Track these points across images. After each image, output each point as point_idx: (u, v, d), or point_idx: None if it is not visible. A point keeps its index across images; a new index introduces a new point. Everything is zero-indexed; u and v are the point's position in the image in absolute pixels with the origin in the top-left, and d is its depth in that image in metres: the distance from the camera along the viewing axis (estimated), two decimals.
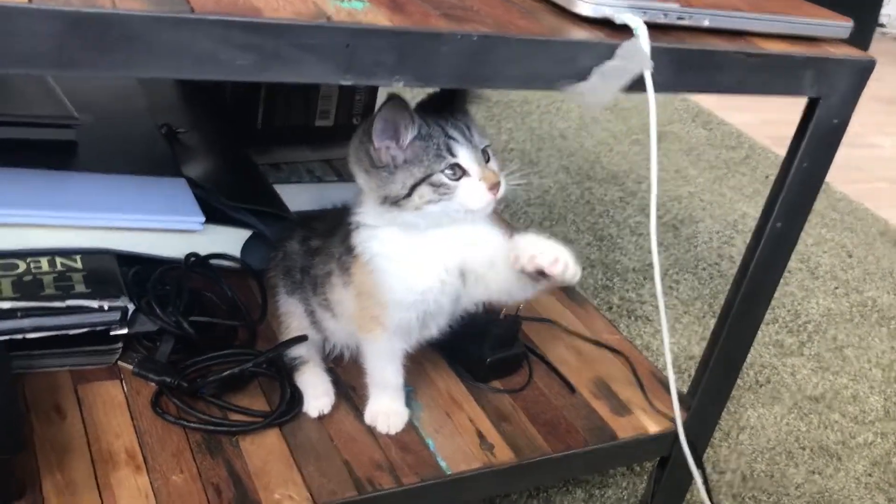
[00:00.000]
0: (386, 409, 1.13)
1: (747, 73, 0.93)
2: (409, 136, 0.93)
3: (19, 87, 1.24)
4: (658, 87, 0.87)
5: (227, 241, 1.26)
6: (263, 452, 1.05)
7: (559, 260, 0.92)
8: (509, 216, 2.19)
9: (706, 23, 0.92)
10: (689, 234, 2.31)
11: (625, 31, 0.85)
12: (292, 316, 1.17)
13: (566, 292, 1.52)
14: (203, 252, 1.25)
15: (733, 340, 1.21)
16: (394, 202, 0.95)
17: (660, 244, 2.22)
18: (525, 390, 1.26)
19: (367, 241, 1.01)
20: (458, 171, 0.94)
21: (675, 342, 1.85)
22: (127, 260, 1.20)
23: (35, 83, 1.27)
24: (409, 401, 1.18)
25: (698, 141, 2.95)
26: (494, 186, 0.96)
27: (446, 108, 0.98)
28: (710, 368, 1.24)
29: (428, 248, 1.00)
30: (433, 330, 1.09)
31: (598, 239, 2.19)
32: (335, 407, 1.14)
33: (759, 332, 1.26)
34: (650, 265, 2.11)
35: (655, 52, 0.85)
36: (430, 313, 1.04)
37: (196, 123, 1.50)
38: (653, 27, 0.86)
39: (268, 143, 1.52)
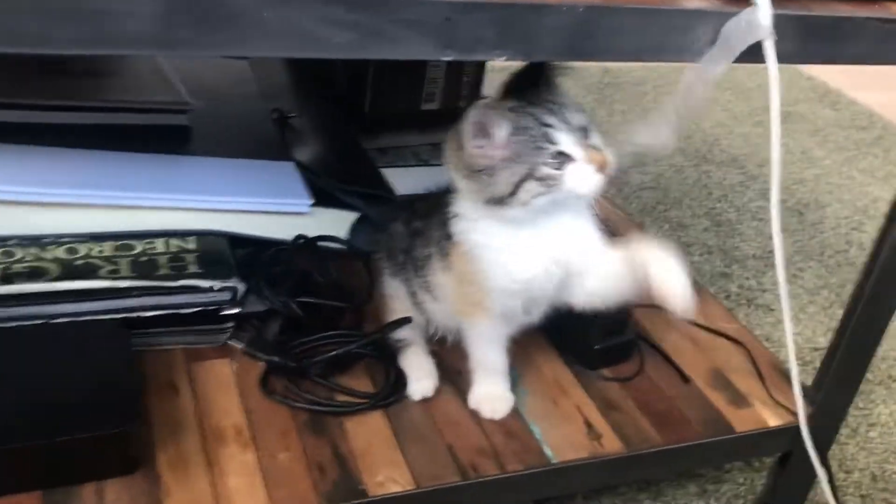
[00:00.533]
0: (490, 394, 1.11)
1: (881, 42, 0.86)
2: (502, 133, 0.90)
3: (135, 74, 1.29)
4: (780, 58, 0.81)
5: (335, 223, 1.27)
6: (368, 434, 1.05)
7: (685, 296, 0.90)
8: (622, 200, 2.13)
9: None
10: (814, 219, 2.19)
11: None
12: (396, 298, 1.17)
13: None
14: (311, 234, 1.25)
15: (863, 331, 1.13)
16: (499, 202, 0.92)
17: (783, 230, 2.09)
18: (636, 379, 1.22)
19: (466, 231, 0.99)
20: (562, 158, 0.90)
21: (798, 333, 1.75)
22: (238, 241, 1.22)
23: (151, 70, 1.31)
24: (515, 386, 1.15)
25: (826, 122, 2.79)
26: (603, 165, 0.92)
27: (535, 84, 0.94)
28: (838, 360, 1.16)
29: (532, 236, 0.97)
30: (535, 316, 1.06)
31: (715, 224, 2.10)
32: (439, 390, 1.13)
33: (893, 323, 1.17)
34: (772, 252, 1.99)
35: (777, 20, 0.80)
36: (533, 300, 1.01)
37: (306, 108, 1.52)
38: None
39: (375, 128, 1.52)
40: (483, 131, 0.90)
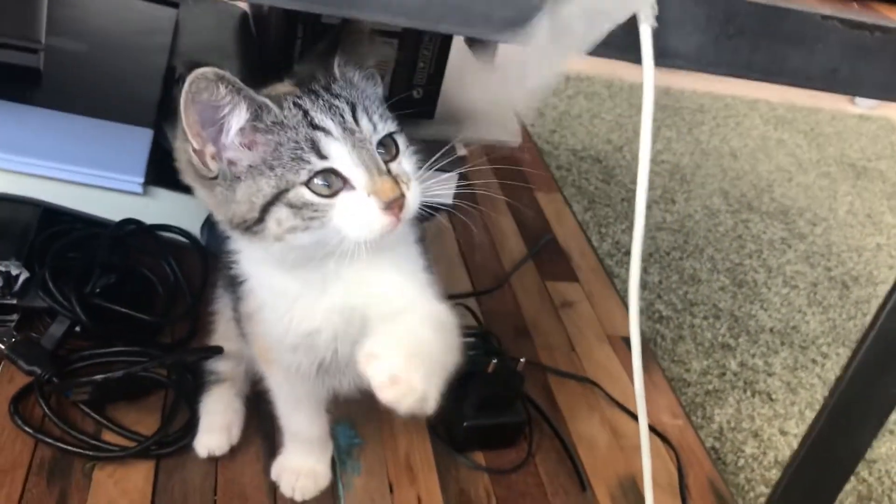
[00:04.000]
0: (296, 467, 0.84)
1: (845, 55, 0.55)
2: (235, 123, 0.61)
3: None
4: (673, 60, 0.52)
5: (187, 211, 1.02)
6: (116, 491, 0.80)
7: (399, 382, 0.56)
8: (629, 239, 1.81)
9: None
10: (860, 296, 1.82)
11: None
12: (221, 318, 0.91)
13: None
14: (154, 220, 1.01)
15: (836, 437, 0.81)
16: (245, 228, 0.64)
17: (818, 303, 1.76)
18: (514, 473, 0.93)
19: (241, 257, 0.73)
20: (337, 182, 0.62)
21: (798, 434, 1.41)
22: (71, 218, 1.00)
23: None
24: (347, 458, 0.89)
25: None
26: (395, 203, 0.62)
27: (327, 66, 0.67)
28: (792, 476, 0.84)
29: (316, 279, 0.69)
30: (344, 382, 0.78)
31: (735, 284, 1.76)
32: (244, 447, 0.88)
33: None
34: (795, 328, 1.66)
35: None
36: (323, 358, 0.73)
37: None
38: None
39: None
40: (214, 115, 0.61)
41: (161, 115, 1.11)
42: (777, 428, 1.42)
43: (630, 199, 1.96)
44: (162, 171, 1.03)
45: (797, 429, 1.43)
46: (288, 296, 0.70)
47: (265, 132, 0.62)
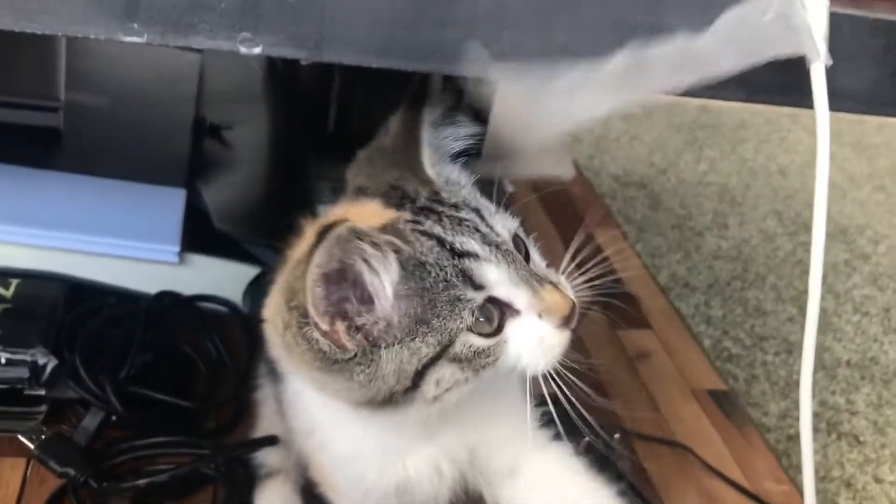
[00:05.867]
0: None
1: None
2: (388, 284, 0.49)
3: (8, 54, 0.98)
4: (841, 102, 0.42)
5: (226, 278, 0.92)
6: None
7: None
8: (686, 270, 1.71)
9: None
10: None
11: None
12: (265, 405, 0.81)
13: (719, 402, 1.05)
14: (191, 290, 0.92)
15: None
16: (385, 402, 0.51)
17: (894, 330, 1.64)
18: None
19: (302, 400, 0.60)
20: (495, 312, 0.50)
21: (894, 481, 1.30)
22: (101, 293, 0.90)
23: (34, 53, 1.01)
24: None
25: None
26: (570, 314, 0.51)
27: (412, 150, 0.55)
28: None
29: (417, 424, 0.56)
30: None
31: (803, 314, 1.63)
32: None
33: None
34: (874, 360, 1.55)
35: (843, 28, 0.41)
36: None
37: (254, 120, 1.19)
38: None
39: (339, 152, 1.17)
40: (347, 284, 0.48)
41: (192, 172, 1.02)
42: (870, 475, 1.30)
43: (681, 226, 1.86)
44: (195, 235, 0.94)
45: (892, 475, 1.31)
46: (383, 447, 0.58)
47: (406, 280, 0.49)
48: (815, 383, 1.48)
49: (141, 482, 0.74)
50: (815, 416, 1.40)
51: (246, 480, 0.79)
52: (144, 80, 1.16)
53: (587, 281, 0.55)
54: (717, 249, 1.81)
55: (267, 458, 0.80)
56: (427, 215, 0.51)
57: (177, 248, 0.89)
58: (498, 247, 0.50)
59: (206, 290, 0.92)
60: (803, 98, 0.42)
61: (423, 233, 0.50)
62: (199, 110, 1.13)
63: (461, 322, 0.49)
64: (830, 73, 0.42)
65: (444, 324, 0.49)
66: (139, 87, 1.13)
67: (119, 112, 1.06)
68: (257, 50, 0.37)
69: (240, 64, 1.33)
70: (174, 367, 0.89)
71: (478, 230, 0.51)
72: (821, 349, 1.56)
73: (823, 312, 1.67)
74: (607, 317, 1.17)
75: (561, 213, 1.35)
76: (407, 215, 0.52)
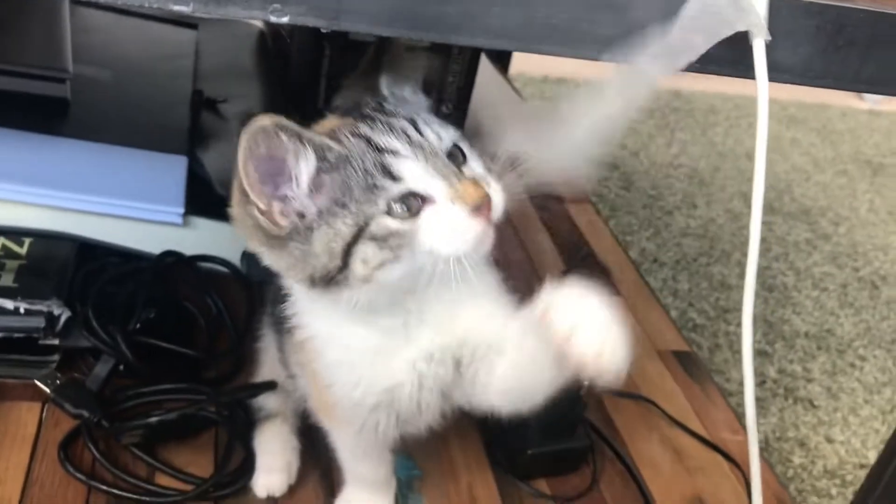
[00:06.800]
0: None
1: None
2: (305, 170, 0.57)
3: (19, 29, 1.03)
4: (779, 74, 0.49)
5: (226, 240, 0.99)
6: None
7: (603, 354, 0.55)
8: (655, 246, 1.79)
9: None
10: (892, 296, 1.80)
11: None
12: (267, 353, 0.88)
13: (682, 362, 1.13)
14: (193, 251, 0.98)
15: None
16: (327, 281, 0.59)
17: (850, 304, 1.74)
18: (579, 499, 0.90)
19: (302, 315, 0.68)
20: (415, 202, 0.58)
21: (844, 441, 1.39)
22: (107, 252, 0.96)
23: (42, 26, 1.06)
24: (409, 491, 0.86)
25: None
26: (483, 204, 0.58)
27: (373, 81, 0.63)
28: (885, 485, 0.81)
29: (397, 327, 0.65)
30: (420, 425, 0.74)
31: (766, 288, 1.74)
32: (302, 485, 0.84)
33: None
34: (830, 331, 1.64)
35: (781, 10, 0.48)
36: (403, 413, 0.69)
37: (249, 95, 1.25)
38: None
39: None
40: (275, 168, 0.56)
41: (192, 142, 1.08)
42: (823, 436, 1.39)
43: (651, 206, 1.94)
44: (197, 200, 1.00)
45: (842, 436, 1.40)
46: (367, 352, 0.65)
47: (331, 171, 0.57)
48: (774, 352, 1.58)
49: (152, 419, 0.81)
50: (774, 382, 1.49)
51: (246, 422, 0.86)
52: (145, 56, 1.22)
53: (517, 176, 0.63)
54: (685, 227, 1.90)
55: (266, 402, 0.86)
56: (364, 121, 0.60)
57: (181, 210, 0.95)
58: (422, 146, 0.58)
59: (208, 251, 0.99)
60: (748, 70, 0.49)
61: (355, 133, 0.58)
62: (195, 84, 1.19)
63: (376, 208, 0.57)
64: (770, 49, 0.49)
65: (362, 208, 0.57)
66: (141, 61, 1.18)
67: (122, 84, 1.12)
68: (285, 19, 0.44)
69: (231, 40, 1.39)
70: (177, 322, 0.95)
71: (406, 133, 0.59)
72: (781, 322, 1.65)
73: (784, 287, 1.77)
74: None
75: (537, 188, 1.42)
76: (350, 121, 0.60)
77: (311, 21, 0.44)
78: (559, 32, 0.47)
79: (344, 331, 0.65)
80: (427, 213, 0.58)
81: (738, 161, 2.25)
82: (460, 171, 0.60)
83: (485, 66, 1.46)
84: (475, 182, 0.59)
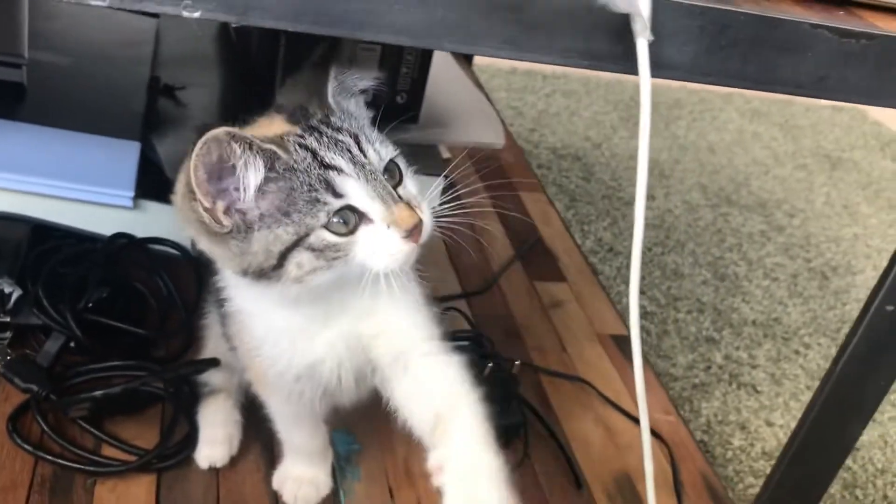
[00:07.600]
0: (298, 476, 0.85)
1: (836, 64, 0.57)
2: (253, 179, 0.60)
3: None
4: (668, 71, 0.54)
5: (177, 223, 1.02)
6: None
7: None
8: (612, 235, 1.84)
9: None
10: (839, 286, 1.85)
11: None
12: (212, 329, 0.91)
13: (621, 346, 1.17)
14: (144, 233, 1.01)
15: (828, 429, 0.82)
16: (260, 275, 0.63)
17: (799, 294, 1.79)
18: (511, 474, 0.94)
19: (235, 294, 0.72)
20: (353, 217, 0.62)
21: (783, 425, 1.44)
22: (63, 233, 0.99)
23: (2, 12, 1.08)
24: (347, 464, 0.90)
25: (882, 174, 2.43)
26: (414, 229, 0.62)
27: (320, 89, 0.66)
28: (784, 472, 0.85)
29: (319, 313, 0.69)
30: (345, 400, 0.79)
31: (717, 278, 1.79)
32: (244, 457, 0.88)
33: None
34: (777, 320, 1.69)
35: (667, 11, 0.52)
36: (325, 386, 0.74)
37: (208, 82, 1.28)
38: None
39: None
40: (224, 173, 0.59)
41: (146, 127, 1.11)
42: (763, 419, 1.44)
43: (610, 196, 1.98)
44: (150, 184, 1.03)
45: (782, 419, 1.45)
46: (289, 331, 0.69)
47: (277, 180, 0.61)
48: (721, 339, 1.63)
49: (97, 393, 0.84)
50: (720, 368, 1.54)
51: (191, 398, 0.90)
52: (104, 42, 1.25)
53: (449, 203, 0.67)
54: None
55: (211, 378, 0.90)
56: (312, 133, 0.63)
57: (131, 194, 0.98)
58: (364, 166, 0.62)
59: (159, 234, 1.02)
60: (633, 67, 0.53)
61: (302, 145, 0.62)
62: (154, 71, 1.22)
63: (317, 220, 0.61)
64: (657, 47, 0.53)
65: (303, 219, 0.60)
66: (99, 48, 1.21)
67: (79, 70, 1.15)
68: (197, 14, 0.47)
69: (193, 30, 1.41)
70: (128, 302, 0.98)
71: (349, 151, 0.62)
72: (729, 310, 1.70)
73: (735, 276, 1.82)
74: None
75: (492, 177, 1.46)
76: (297, 130, 0.63)
77: (220, 16, 0.48)
78: (459, 31, 0.51)
79: (272, 313, 0.69)
80: (363, 231, 0.62)
81: (699, 154, 2.30)
82: (396, 191, 0.64)
83: (444, 57, 1.50)
84: (409, 206, 0.63)
